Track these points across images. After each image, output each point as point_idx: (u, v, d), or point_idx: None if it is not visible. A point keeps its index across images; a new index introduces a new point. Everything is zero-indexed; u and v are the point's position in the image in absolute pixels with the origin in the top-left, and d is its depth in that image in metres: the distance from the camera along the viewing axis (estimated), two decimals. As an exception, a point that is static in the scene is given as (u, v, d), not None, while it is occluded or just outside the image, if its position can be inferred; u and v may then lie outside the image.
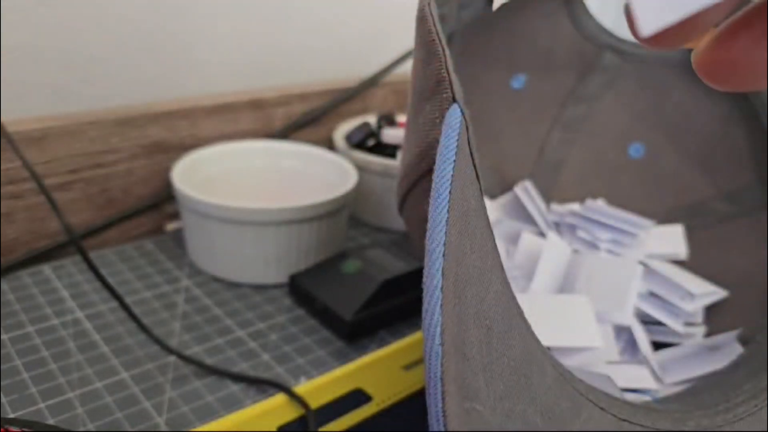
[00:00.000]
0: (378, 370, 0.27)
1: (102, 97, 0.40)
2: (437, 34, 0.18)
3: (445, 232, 0.13)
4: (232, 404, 0.26)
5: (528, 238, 0.33)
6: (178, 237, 0.39)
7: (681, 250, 0.34)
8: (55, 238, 0.36)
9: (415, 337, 0.29)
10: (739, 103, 0.34)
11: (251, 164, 0.40)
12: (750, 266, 0.31)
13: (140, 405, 0.26)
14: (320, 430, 0.24)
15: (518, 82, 0.37)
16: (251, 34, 0.46)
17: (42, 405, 0.25)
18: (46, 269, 0.34)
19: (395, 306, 0.32)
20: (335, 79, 0.48)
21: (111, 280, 0.34)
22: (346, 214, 0.37)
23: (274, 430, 0.24)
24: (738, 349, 0.27)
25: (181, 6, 0.42)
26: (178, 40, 0.42)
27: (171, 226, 0.40)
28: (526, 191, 0.36)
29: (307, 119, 0.44)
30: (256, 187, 0.40)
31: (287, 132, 0.44)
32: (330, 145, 0.46)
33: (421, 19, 0.19)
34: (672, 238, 0.34)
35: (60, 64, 0.38)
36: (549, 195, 0.38)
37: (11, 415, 0.25)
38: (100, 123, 0.36)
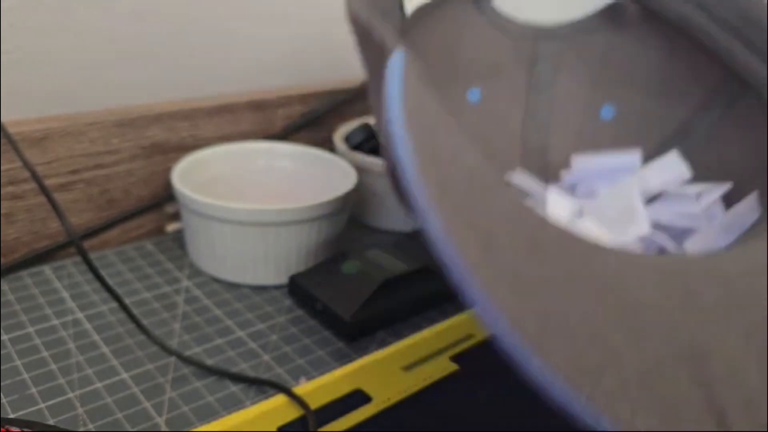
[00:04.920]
0: (378, 371, 0.27)
1: (102, 98, 0.40)
2: (365, 21, 0.18)
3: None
4: (232, 404, 0.26)
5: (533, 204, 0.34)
6: (179, 238, 0.39)
7: (683, 170, 0.35)
8: (56, 239, 0.36)
9: (414, 337, 0.29)
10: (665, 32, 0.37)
11: (252, 165, 0.40)
12: (748, 160, 0.33)
13: (140, 405, 0.26)
14: (320, 430, 0.24)
15: (474, 95, 0.38)
16: (251, 36, 0.46)
17: (42, 405, 0.25)
18: (47, 270, 0.34)
19: (395, 306, 0.32)
20: (335, 81, 0.48)
21: (111, 281, 0.34)
22: (346, 215, 0.37)
23: (274, 430, 0.24)
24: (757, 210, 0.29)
25: (182, 8, 0.42)
26: (178, 41, 0.42)
27: (171, 227, 0.40)
28: (519, 176, 0.37)
29: (307, 120, 0.44)
30: (256, 188, 0.40)
31: (287, 133, 0.44)
32: (330, 147, 0.46)
33: (352, 22, 0.19)
34: (671, 164, 0.36)
35: (60, 66, 0.38)
36: (544, 179, 0.39)
37: (11, 416, 0.25)
38: (100, 124, 0.36)
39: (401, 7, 0.30)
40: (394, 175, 0.22)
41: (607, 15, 0.39)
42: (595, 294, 0.15)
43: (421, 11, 0.36)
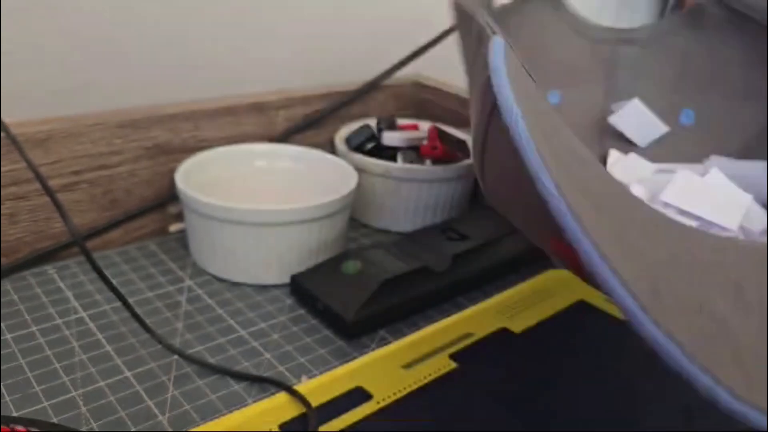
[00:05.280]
0: (378, 369, 0.27)
1: (105, 99, 0.41)
2: (468, 7, 0.18)
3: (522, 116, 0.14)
4: (234, 403, 0.26)
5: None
6: (182, 238, 0.39)
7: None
8: (59, 239, 0.36)
9: (414, 336, 0.30)
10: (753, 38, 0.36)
11: (253, 166, 0.41)
12: None
13: (143, 403, 0.26)
14: (321, 427, 0.24)
15: (554, 98, 0.38)
16: (253, 39, 0.46)
17: (45, 404, 0.26)
18: (50, 270, 0.35)
19: (395, 305, 0.32)
20: (336, 83, 0.48)
21: (114, 281, 0.34)
22: (347, 215, 0.37)
23: (276, 427, 0.24)
24: None
25: (184, 10, 0.42)
26: (180, 44, 0.43)
27: (174, 227, 0.40)
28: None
29: (308, 122, 0.45)
30: (258, 188, 0.41)
31: (289, 135, 0.44)
32: (331, 148, 0.47)
33: (455, 8, 0.20)
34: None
35: (64, 68, 0.38)
36: None
37: (15, 414, 0.25)
38: (103, 125, 0.36)
39: (489, 4, 0.30)
40: (484, 144, 0.22)
41: (686, 17, 0.39)
42: (699, 268, 0.15)
43: (504, 11, 0.36)
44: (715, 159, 0.37)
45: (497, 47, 0.15)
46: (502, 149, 0.19)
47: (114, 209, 0.38)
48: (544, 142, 0.14)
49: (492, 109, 0.19)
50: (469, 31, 0.19)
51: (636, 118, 0.38)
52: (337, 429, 0.24)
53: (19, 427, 0.22)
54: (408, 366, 0.27)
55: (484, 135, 0.20)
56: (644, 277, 0.13)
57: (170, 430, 0.25)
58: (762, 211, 0.32)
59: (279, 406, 0.25)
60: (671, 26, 0.39)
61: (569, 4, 0.39)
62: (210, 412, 0.26)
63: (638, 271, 0.13)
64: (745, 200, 0.31)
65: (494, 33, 0.17)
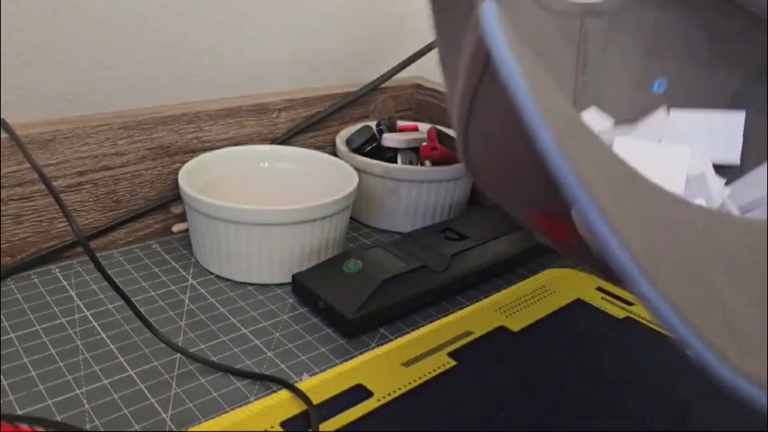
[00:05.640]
0: (378, 367, 0.27)
1: (109, 101, 0.41)
2: None
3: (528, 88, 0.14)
4: (236, 400, 0.27)
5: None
6: (185, 238, 0.39)
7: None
8: (63, 239, 0.36)
9: (414, 334, 0.30)
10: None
11: (255, 167, 0.41)
12: None
13: (146, 401, 0.26)
14: (322, 424, 0.24)
15: None
16: (255, 41, 0.46)
17: (49, 402, 0.26)
18: (54, 269, 0.35)
19: (395, 304, 0.32)
20: (337, 85, 0.49)
21: (118, 280, 0.35)
22: (347, 215, 0.38)
23: (277, 425, 0.24)
24: None
25: (188, 12, 0.42)
26: (184, 46, 0.43)
27: (177, 228, 0.40)
28: (589, 115, 0.38)
29: (309, 124, 0.45)
30: (260, 189, 0.41)
31: (290, 136, 0.44)
32: (332, 149, 0.47)
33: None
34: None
35: (68, 69, 0.39)
36: None
37: (19, 412, 0.25)
38: (107, 126, 0.36)
39: None
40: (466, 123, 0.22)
41: None
42: (695, 239, 0.15)
43: None
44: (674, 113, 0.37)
45: (490, 11, 0.15)
46: (490, 116, 0.19)
47: (117, 209, 0.38)
48: (543, 98, 0.14)
49: (482, 74, 0.18)
50: (453, 4, 0.19)
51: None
52: (338, 426, 0.24)
53: (23, 426, 0.23)
54: (408, 364, 0.28)
55: (469, 104, 0.20)
56: (643, 240, 0.13)
57: (173, 427, 0.25)
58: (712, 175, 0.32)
59: (280, 404, 0.25)
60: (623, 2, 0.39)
61: None
62: (212, 410, 0.26)
63: (638, 233, 0.13)
64: (683, 153, 0.32)
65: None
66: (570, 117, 0.15)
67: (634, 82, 0.39)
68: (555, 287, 0.35)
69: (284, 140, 0.44)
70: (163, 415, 0.26)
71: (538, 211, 0.20)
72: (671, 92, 0.39)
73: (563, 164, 0.13)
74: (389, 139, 0.43)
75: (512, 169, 0.19)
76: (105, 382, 0.27)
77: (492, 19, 0.15)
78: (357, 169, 0.40)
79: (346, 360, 0.30)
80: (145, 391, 0.27)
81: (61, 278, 0.34)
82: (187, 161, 0.39)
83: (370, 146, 0.43)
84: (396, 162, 0.43)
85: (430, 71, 0.53)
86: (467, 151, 0.22)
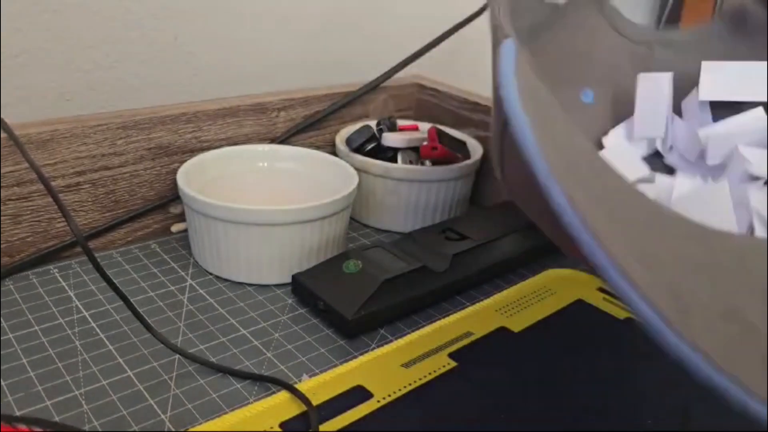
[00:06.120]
0: (378, 368, 0.27)
1: (108, 101, 0.41)
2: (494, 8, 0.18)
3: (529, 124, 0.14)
4: (235, 401, 0.27)
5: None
6: (183, 238, 0.39)
7: None
8: (62, 239, 0.36)
9: (414, 335, 0.30)
10: None
11: (255, 167, 0.41)
12: None
13: (145, 402, 0.26)
14: (322, 425, 0.24)
15: (587, 96, 0.38)
16: (254, 40, 0.46)
17: (48, 403, 0.26)
18: (53, 269, 0.35)
19: (395, 305, 0.32)
20: (336, 84, 0.48)
21: (116, 281, 0.34)
22: (347, 215, 0.37)
23: (277, 426, 0.24)
24: None
25: (186, 12, 0.42)
26: (183, 46, 0.43)
27: (176, 228, 0.40)
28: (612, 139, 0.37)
29: (309, 123, 0.45)
30: (259, 189, 0.41)
31: (289, 135, 0.44)
32: (331, 149, 0.47)
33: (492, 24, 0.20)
34: None
35: (66, 69, 0.39)
36: None
37: (17, 413, 0.25)
38: (106, 126, 0.36)
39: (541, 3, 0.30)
40: (502, 151, 0.22)
41: (728, 20, 0.37)
42: (725, 273, 0.15)
43: (550, 14, 0.36)
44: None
45: (508, 53, 0.15)
46: (518, 157, 0.19)
47: (116, 209, 0.38)
48: (554, 152, 0.14)
49: (506, 120, 0.19)
50: (496, 42, 0.19)
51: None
52: (338, 427, 0.24)
53: (22, 426, 0.23)
54: (408, 365, 0.28)
55: (501, 134, 0.20)
56: (665, 286, 0.13)
57: (172, 428, 0.25)
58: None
59: (280, 405, 0.25)
60: (712, 29, 0.38)
61: (612, 4, 0.38)
62: (211, 411, 0.26)
63: (659, 281, 0.13)
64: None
65: (506, 36, 0.17)
66: (586, 165, 0.15)
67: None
68: (556, 288, 0.35)
69: (283, 140, 0.44)
70: (162, 416, 0.25)
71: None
72: None
73: (575, 223, 0.13)
74: (389, 139, 0.43)
75: (545, 205, 0.19)
76: (104, 382, 0.27)
77: (508, 64, 0.15)
78: (357, 169, 0.40)
79: (345, 361, 0.29)
80: (144, 392, 0.27)
81: (59, 278, 0.34)
82: (185, 161, 0.39)
83: (370, 146, 0.43)
84: (396, 162, 0.42)
85: (430, 71, 0.53)
86: (505, 179, 0.23)
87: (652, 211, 0.16)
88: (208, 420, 0.25)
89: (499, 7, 0.20)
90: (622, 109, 0.39)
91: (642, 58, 0.38)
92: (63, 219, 0.36)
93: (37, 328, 0.30)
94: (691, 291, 0.14)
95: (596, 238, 0.13)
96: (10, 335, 0.29)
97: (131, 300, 0.33)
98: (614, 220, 0.14)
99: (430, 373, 0.27)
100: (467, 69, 0.58)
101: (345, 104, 0.46)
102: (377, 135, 0.43)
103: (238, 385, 0.27)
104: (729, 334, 0.13)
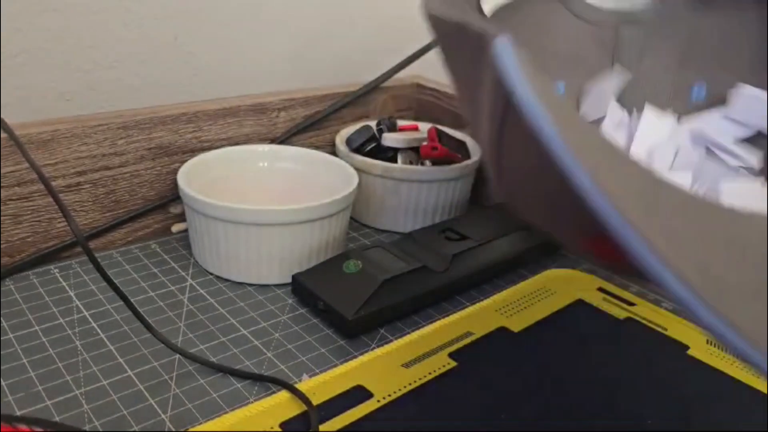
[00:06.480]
0: (378, 368, 0.27)
1: (108, 101, 0.41)
2: (457, 18, 0.18)
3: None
4: (235, 401, 0.27)
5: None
6: (184, 238, 0.39)
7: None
8: (62, 239, 0.36)
9: (414, 335, 0.30)
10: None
11: (255, 167, 0.41)
12: None
13: (145, 402, 0.26)
14: (322, 425, 0.24)
15: (559, 89, 0.38)
16: (254, 40, 0.46)
17: (48, 402, 0.26)
18: (53, 269, 0.35)
19: (395, 305, 0.32)
20: (336, 84, 0.48)
21: (117, 281, 0.35)
22: (347, 215, 0.38)
23: (277, 426, 0.24)
24: None
25: (187, 13, 0.42)
26: (183, 46, 0.43)
27: (176, 228, 0.40)
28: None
29: (309, 123, 0.45)
30: (259, 189, 0.41)
31: (289, 136, 0.44)
32: (331, 149, 0.47)
33: (434, 21, 0.19)
34: None
35: (67, 69, 0.39)
36: None
37: (17, 413, 0.25)
38: (106, 126, 0.36)
39: (479, 8, 0.30)
40: (499, 161, 0.22)
41: None
42: (753, 251, 0.15)
43: (503, 11, 0.35)
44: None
45: (504, 48, 0.15)
46: (521, 152, 0.19)
47: (117, 210, 0.38)
48: (571, 135, 0.14)
49: (505, 113, 0.18)
50: (460, 44, 0.19)
51: None
52: (338, 427, 0.24)
53: (22, 426, 0.23)
54: (408, 365, 0.28)
55: (498, 139, 0.20)
56: (697, 264, 0.13)
57: (172, 428, 0.25)
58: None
59: (280, 405, 0.25)
60: (676, 4, 0.38)
61: None
62: (211, 411, 0.26)
63: (690, 259, 0.13)
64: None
65: (495, 35, 0.17)
66: (602, 146, 0.15)
67: (672, 90, 0.39)
68: (556, 287, 0.35)
69: (284, 140, 0.44)
70: (163, 416, 0.26)
71: (584, 233, 0.20)
72: (712, 99, 0.38)
73: (601, 201, 0.13)
74: (389, 139, 0.43)
75: (552, 197, 0.19)
76: (104, 382, 0.27)
77: (510, 60, 0.15)
78: (357, 169, 0.40)
79: (346, 361, 0.30)
80: (144, 392, 0.27)
81: (60, 278, 0.34)
82: (186, 161, 0.39)
83: (370, 146, 0.43)
84: (396, 162, 0.43)
85: (430, 71, 0.53)
86: (501, 182, 0.22)
87: (674, 189, 0.16)
88: (209, 420, 0.25)
89: (455, 10, 0.19)
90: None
91: (607, 42, 0.38)
92: (63, 219, 0.36)
93: (37, 328, 0.30)
94: (722, 268, 0.14)
95: (625, 215, 0.13)
96: (11, 335, 0.30)
97: (131, 300, 0.33)
98: (640, 197, 0.14)
99: (430, 373, 0.27)
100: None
101: (345, 104, 0.46)
102: (377, 135, 0.43)
103: (239, 385, 0.28)
104: (761, 312, 0.13)
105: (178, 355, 0.29)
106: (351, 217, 0.44)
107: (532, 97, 0.14)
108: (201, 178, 0.38)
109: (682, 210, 0.15)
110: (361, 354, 0.30)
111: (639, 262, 0.13)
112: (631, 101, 0.39)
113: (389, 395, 0.26)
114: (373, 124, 0.45)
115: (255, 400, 0.27)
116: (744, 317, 0.13)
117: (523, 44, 0.37)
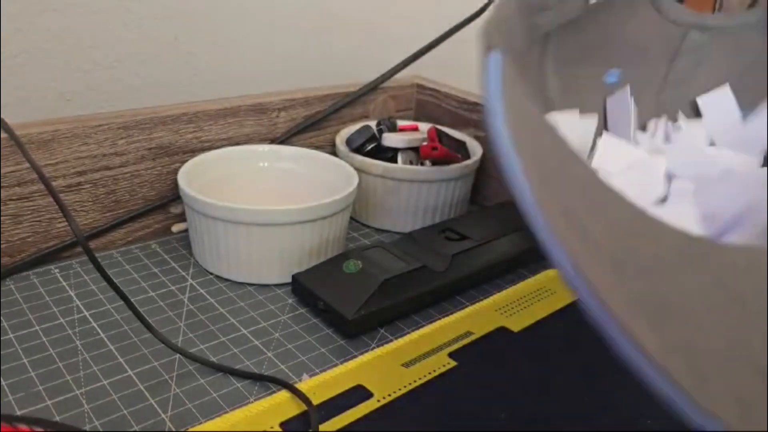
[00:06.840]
0: (378, 367, 0.27)
1: (109, 101, 0.41)
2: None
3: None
4: (235, 401, 0.27)
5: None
6: (184, 238, 0.39)
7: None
8: (63, 239, 0.36)
9: (414, 335, 0.30)
10: None
11: (255, 167, 0.41)
12: None
13: (146, 402, 0.26)
14: (322, 425, 0.24)
15: (612, 76, 0.37)
16: (254, 41, 0.46)
17: (48, 402, 0.26)
18: (53, 269, 0.35)
19: (395, 305, 0.32)
20: (336, 85, 0.48)
21: (117, 280, 0.35)
22: (347, 215, 0.38)
23: (277, 426, 0.24)
24: None
25: (187, 12, 0.42)
26: (183, 46, 0.43)
27: (177, 228, 0.40)
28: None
29: (309, 123, 0.45)
30: (259, 189, 0.41)
31: (289, 136, 0.44)
32: (332, 149, 0.47)
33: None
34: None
35: (67, 70, 0.39)
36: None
37: (18, 413, 0.25)
38: (107, 126, 0.36)
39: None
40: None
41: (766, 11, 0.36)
42: (708, 283, 0.14)
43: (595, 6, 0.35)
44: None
45: (494, 68, 0.15)
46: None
47: (117, 210, 0.38)
48: (522, 147, 0.14)
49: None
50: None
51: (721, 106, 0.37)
52: (338, 427, 0.24)
53: (23, 426, 0.23)
54: (408, 364, 0.28)
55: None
56: (637, 301, 0.13)
57: (172, 428, 0.25)
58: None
59: (280, 405, 0.25)
60: (748, 19, 0.37)
61: None
62: (212, 411, 0.26)
63: (634, 295, 0.13)
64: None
65: (491, 47, 0.17)
66: (575, 202, 0.15)
67: None
68: (555, 287, 0.35)
69: (284, 140, 0.44)
70: (163, 416, 0.26)
71: None
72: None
73: (552, 246, 0.13)
74: (389, 139, 0.43)
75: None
76: (104, 382, 0.27)
77: (494, 72, 0.15)
78: (357, 169, 0.40)
79: (346, 360, 0.30)
80: (145, 392, 0.27)
81: (60, 278, 0.34)
82: (186, 161, 0.39)
83: (370, 146, 0.43)
84: (396, 162, 0.43)
85: (430, 71, 0.53)
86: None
87: (649, 227, 0.16)
88: (209, 419, 0.26)
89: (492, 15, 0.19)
90: (641, 87, 0.38)
91: (673, 41, 0.37)
92: (64, 219, 0.36)
93: (37, 327, 0.30)
94: (667, 301, 0.13)
95: (572, 260, 0.12)
96: (11, 335, 0.30)
97: (132, 300, 0.33)
98: (616, 265, 0.14)
99: (430, 373, 0.27)
100: (467, 69, 0.58)
101: (345, 104, 0.46)
102: (377, 135, 0.43)
103: (239, 385, 0.28)
104: (709, 341, 0.13)
105: (178, 355, 0.29)
106: (351, 217, 0.44)
107: (500, 109, 0.14)
108: (201, 178, 0.38)
109: (660, 262, 0.15)
110: (361, 354, 0.30)
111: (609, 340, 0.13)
112: (673, 104, 0.38)
113: (389, 395, 0.26)
114: (373, 124, 0.45)
115: (255, 400, 0.27)
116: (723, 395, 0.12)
117: (600, 26, 0.36)
